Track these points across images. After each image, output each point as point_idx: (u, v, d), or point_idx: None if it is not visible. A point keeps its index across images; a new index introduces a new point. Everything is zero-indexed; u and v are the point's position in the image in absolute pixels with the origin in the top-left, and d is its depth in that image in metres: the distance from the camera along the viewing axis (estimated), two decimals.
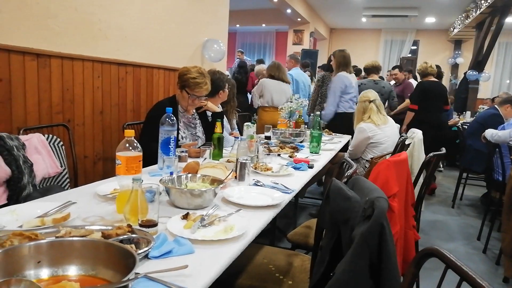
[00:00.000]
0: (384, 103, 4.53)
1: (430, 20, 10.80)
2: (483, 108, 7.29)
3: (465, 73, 8.97)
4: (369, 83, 4.53)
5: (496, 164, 3.41)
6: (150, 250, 0.99)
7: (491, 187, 3.79)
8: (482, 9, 7.73)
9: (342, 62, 4.18)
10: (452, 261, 0.79)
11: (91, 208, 1.36)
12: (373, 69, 4.73)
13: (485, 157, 3.66)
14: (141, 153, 1.38)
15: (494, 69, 11.60)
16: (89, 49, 2.62)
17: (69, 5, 2.44)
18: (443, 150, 2.44)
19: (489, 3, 7.27)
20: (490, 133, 3.47)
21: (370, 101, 3.27)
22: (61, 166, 2.00)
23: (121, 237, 0.97)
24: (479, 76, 8.69)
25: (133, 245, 0.97)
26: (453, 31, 10.93)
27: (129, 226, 1.06)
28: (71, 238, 0.88)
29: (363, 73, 6.83)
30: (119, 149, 1.36)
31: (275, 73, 4.55)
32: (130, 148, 1.36)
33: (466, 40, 11.45)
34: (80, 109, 2.59)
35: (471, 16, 8.65)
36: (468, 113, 7.58)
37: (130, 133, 1.38)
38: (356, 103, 4.05)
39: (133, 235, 1.01)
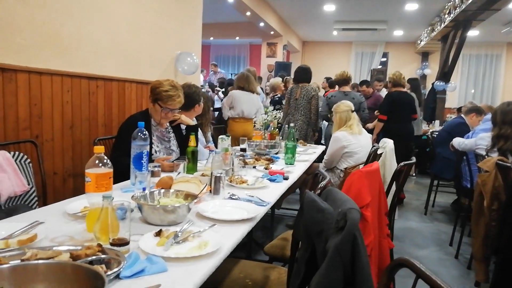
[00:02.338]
0: None
1: (398, 33, 11.19)
2: (450, 117, 7.56)
3: (432, 84, 9.31)
4: (339, 95, 4.56)
5: (464, 171, 3.53)
6: (121, 270, 0.96)
7: (460, 193, 3.91)
8: (446, 23, 8.08)
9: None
10: (422, 271, 0.81)
11: (59, 227, 1.31)
12: (342, 81, 4.72)
13: (454, 164, 3.78)
14: (111, 170, 1.35)
15: (460, 79, 12.11)
16: (58, 63, 2.55)
17: (37, 18, 2.38)
18: (413, 159, 2.51)
19: (452, 17, 7.61)
20: (457, 142, 3.59)
21: (352, 111, 3.33)
22: (29, 184, 1.93)
23: (91, 258, 0.94)
24: (446, 87, 9.03)
25: (103, 266, 0.94)
26: (420, 43, 11.37)
27: (99, 245, 1.02)
28: (35, 261, 0.84)
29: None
30: (88, 166, 1.33)
31: (244, 84, 4.57)
32: (100, 164, 1.33)
33: (433, 52, 11.91)
34: (48, 124, 2.52)
35: (436, 29, 9.03)
36: (437, 122, 7.84)
37: (99, 149, 1.35)
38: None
39: (103, 255, 0.98)
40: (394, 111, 4.56)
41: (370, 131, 4.60)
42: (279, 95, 5.77)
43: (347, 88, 4.71)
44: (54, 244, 1.13)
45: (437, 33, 9.07)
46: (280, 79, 6.26)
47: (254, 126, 3.80)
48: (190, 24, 4.26)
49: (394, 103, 4.59)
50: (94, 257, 0.95)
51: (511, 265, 2.28)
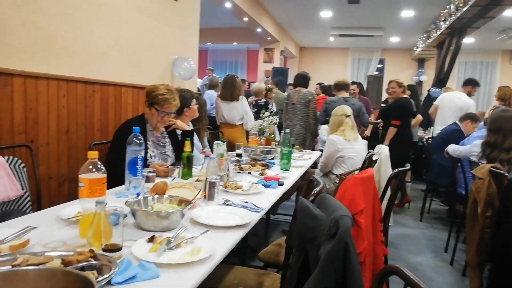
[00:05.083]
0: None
1: (394, 39, 11.28)
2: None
3: (428, 90, 9.36)
4: (339, 101, 4.58)
5: (459, 178, 3.54)
6: (113, 275, 0.96)
7: (455, 200, 3.92)
8: (441, 30, 8.15)
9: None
10: (411, 279, 0.81)
11: (52, 232, 1.31)
12: (344, 86, 4.76)
13: (449, 171, 3.79)
14: (105, 175, 1.35)
15: (456, 86, 12.17)
16: (54, 67, 2.56)
17: (32, 22, 2.38)
18: (408, 166, 2.53)
19: (447, 24, 7.68)
20: (452, 149, 3.60)
21: (347, 116, 3.35)
22: (22, 189, 1.92)
23: (82, 264, 0.94)
24: (442, 93, 9.07)
25: (95, 272, 0.94)
26: (416, 50, 11.45)
27: (91, 251, 1.02)
28: (26, 268, 0.83)
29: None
30: (82, 171, 1.33)
31: (223, 93, 4.64)
32: (94, 169, 1.33)
33: (429, 58, 12.00)
34: (44, 129, 2.52)
35: (432, 36, 9.10)
36: (433, 128, 7.86)
37: (93, 154, 1.35)
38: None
39: (95, 261, 0.98)
40: (404, 116, 4.68)
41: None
42: (264, 100, 5.81)
43: (346, 94, 4.75)
44: (46, 250, 1.12)
45: (433, 40, 9.15)
46: (264, 85, 6.35)
47: (250, 131, 3.81)
48: (187, 29, 4.28)
49: (404, 108, 4.69)
50: (85, 263, 0.95)
51: (504, 272, 2.29)
